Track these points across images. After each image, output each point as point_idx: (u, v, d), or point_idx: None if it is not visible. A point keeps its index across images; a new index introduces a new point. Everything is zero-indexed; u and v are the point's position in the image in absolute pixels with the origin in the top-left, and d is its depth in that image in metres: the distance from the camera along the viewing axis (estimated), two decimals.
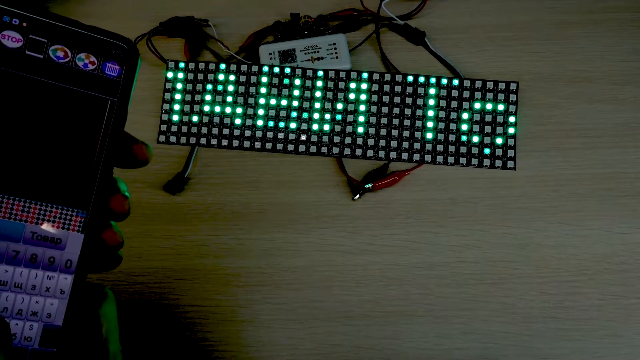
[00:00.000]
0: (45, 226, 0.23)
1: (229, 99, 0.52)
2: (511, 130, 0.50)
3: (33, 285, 0.23)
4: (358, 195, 0.49)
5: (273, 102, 0.51)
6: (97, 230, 0.24)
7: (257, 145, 0.51)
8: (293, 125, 0.51)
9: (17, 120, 0.22)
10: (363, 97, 0.51)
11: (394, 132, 0.50)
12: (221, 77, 0.52)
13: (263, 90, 0.52)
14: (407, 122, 0.50)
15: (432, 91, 0.51)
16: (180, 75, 0.52)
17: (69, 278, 0.24)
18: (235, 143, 0.51)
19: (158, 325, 0.45)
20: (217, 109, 0.51)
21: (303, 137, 0.51)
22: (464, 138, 0.50)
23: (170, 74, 0.52)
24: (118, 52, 0.24)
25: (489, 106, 0.50)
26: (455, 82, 0.51)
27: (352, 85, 0.51)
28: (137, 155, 0.26)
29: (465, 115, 0.50)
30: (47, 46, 0.23)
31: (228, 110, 0.51)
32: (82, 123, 0.23)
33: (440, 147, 0.50)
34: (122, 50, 0.24)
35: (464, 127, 0.50)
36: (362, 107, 0.51)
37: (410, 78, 0.51)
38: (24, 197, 0.23)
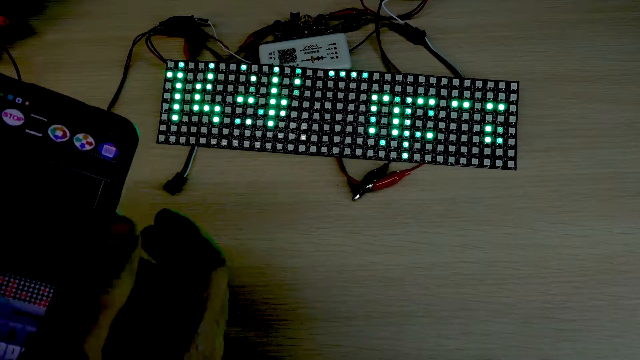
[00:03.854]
0: (26, 302, 0.23)
1: (229, 98, 0.52)
2: (512, 130, 0.50)
3: None
4: (358, 195, 0.49)
5: (273, 101, 0.51)
6: None
7: (257, 145, 0.51)
8: (293, 125, 0.51)
9: (8, 196, 0.22)
10: (363, 97, 0.51)
11: (394, 132, 0.50)
12: (221, 76, 0.52)
13: (263, 90, 0.51)
14: (407, 122, 0.50)
15: (432, 91, 0.51)
16: (180, 75, 0.52)
17: None
18: (235, 143, 0.51)
19: None
20: (217, 108, 0.51)
21: (303, 137, 0.51)
22: (464, 138, 0.50)
23: (169, 74, 0.52)
24: (116, 134, 0.23)
25: (489, 106, 0.50)
26: (456, 82, 0.51)
27: (352, 85, 0.51)
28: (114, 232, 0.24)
29: (465, 115, 0.50)
30: (47, 125, 0.23)
31: (228, 110, 0.51)
32: (74, 202, 0.23)
33: (440, 147, 0.50)
34: (120, 133, 0.23)
35: (464, 127, 0.50)
36: (362, 107, 0.51)
37: (410, 78, 0.51)
38: (6, 272, 0.22)
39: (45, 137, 0.23)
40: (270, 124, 0.51)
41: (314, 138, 0.51)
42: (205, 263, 0.26)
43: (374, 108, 0.51)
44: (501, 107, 0.50)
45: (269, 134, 0.51)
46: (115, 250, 0.22)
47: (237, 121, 0.51)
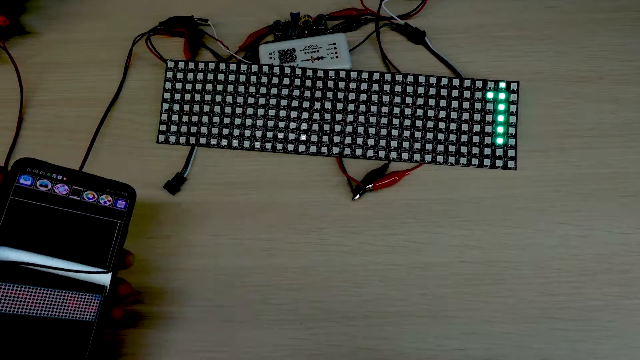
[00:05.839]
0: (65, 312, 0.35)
1: (229, 98, 0.52)
2: (512, 130, 0.50)
3: None
4: (358, 195, 0.49)
5: (273, 102, 0.51)
6: (109, 308, 0.37)
7: (257, 145, 0.51)
8: (293, 125, 0.51)
9: (59, 232, 0.36)
10: (363, 97, 0.51)
11: (394, 132, 0.50)
12: (221, 76, 0.52)
13: (263, 90, 0.51)
14: (407, 122, 0.50)
15: (432, 91, 0.51)
16: (180, 75, 0.52)
17: None
18: (235, 143, 0.51)
19: (157, 325, 0.45)
20: (217, 108, 0.51)
21: (303, 137, 0.51)
22: (464, 138, 0.50)
23: (169, 74, 0.52)
24: (125, 194, 0.38)
25: (489, 106, 0.50)
26: (456, 81, 0.51)
27: (352, 85, 0.51)
28: (127, 263, 0.39)
29: (465, 115, 0.50)
30: (83, 192, 0.37)
31: (228, 110, 0.51)
32: (100, 236, 0.37)
33: (440, 147, 0.50)
34: (127, 193, 0.39)
35: (465, 127, 0.50)
36: (362, 107, 0.51)
37: (410, 78, 0.51)
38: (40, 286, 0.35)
39: (81, 199, 0.37)
40: (270, 124, 0.51)
41: (314, 138, 0.51)
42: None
43: (374, 108, 0.51)
44: (501, 107, 0.50)
45: (269, 134, 0.51)
46: None
47: (237, 121, 0.51)
